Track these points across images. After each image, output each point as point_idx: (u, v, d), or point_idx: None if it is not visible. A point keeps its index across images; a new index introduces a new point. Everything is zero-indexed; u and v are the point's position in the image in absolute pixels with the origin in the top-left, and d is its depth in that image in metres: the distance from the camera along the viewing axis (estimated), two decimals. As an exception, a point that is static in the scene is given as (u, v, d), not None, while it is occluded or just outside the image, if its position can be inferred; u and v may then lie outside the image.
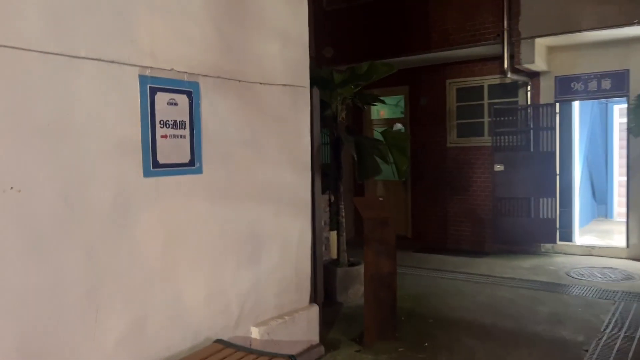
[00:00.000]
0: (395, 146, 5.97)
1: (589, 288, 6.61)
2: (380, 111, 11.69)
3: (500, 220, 8.74)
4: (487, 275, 7.48)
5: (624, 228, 10.62)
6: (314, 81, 5.31)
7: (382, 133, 6.26)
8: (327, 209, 6.62)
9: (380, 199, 5.34)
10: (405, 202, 10.28)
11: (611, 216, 12.10)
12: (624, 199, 12.39)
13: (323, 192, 6.72)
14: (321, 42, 10.09)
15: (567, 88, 8.48)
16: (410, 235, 10.20)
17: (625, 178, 12.50)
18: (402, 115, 10.41)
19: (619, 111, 11.99)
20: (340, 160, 6.13)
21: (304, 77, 4.45)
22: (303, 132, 4.46)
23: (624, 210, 12.27)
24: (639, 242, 8.01)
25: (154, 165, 3.20)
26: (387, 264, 4.83)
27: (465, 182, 9.46)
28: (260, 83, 4.00)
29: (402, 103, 10.49)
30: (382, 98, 9.80)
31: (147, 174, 3.17)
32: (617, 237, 9.41)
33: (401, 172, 5.99)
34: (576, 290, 6.53)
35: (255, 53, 3.95)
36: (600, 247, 8.40)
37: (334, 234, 6.51)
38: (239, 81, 3.81)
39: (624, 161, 12.38)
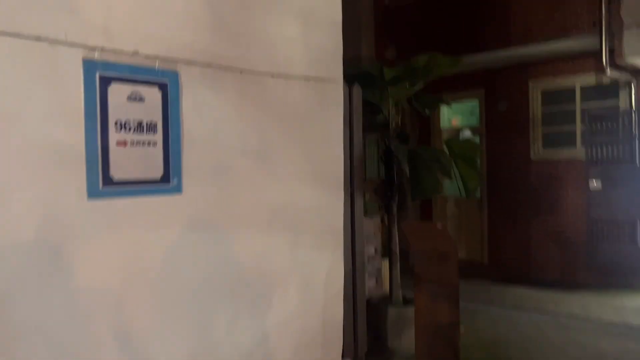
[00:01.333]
0: (462, 158, 4.82)
1: None
2: (452, 119, 10.45)
3: (597, 247, 7.22)
4: (580, 317, 6.04)
5: None
6: (359, 78, 4.33)
7: (446, 142, 5.13)
8: (379, 233, 5.55)
9: (439, 225, 4.21)
10: (481, 223, 8.93)
11: None
12: None
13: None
14: (382, 41, 9.09)
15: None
16: (486, 261, 8.83)
17: None
18: (478, 124, 9.11)
19: None
20: (393, 175, 5.06)
21: (334, 69, 3.46)
22: (333, 140, 3.47)
23: None
24: None
25: (105, 183, 2.34)
26: (447, 312, 3.70)
27: (552, 201, 7.99)
28: (272, 75, 3.06)
29: (477, 110, 9.19)
30: (454, 104, 8.63)
31: (93, 194, 2.31)
32: None
33: (469, 190, 4.82)
34: None
35: (264, 35, 3.02)
36: None
37: (386, 263, 5.42)
38: (241, 72, 2.89)
39: None
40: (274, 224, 3.09)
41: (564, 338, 5.37)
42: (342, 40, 3.51)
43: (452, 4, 8.24)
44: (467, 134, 7.94)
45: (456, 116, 10.52)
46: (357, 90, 4.08)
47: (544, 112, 8.15)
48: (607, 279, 7.29)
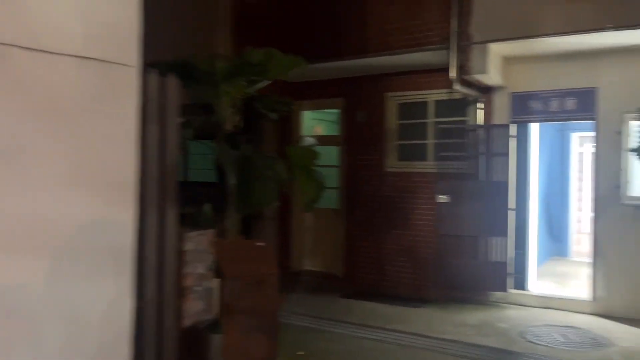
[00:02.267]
0: (302, 167, 4.37)
1: (550, 360, 5.14)
2: (315, 127, 10.18)
3: (444, 262, 7.25)
4: (423, 335, 5.89)
5: (581, 270, 9.40)
6: (184, 70, 3.70)
7: (287, 150, 4.66)
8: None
9: (260, 244, 3.69)
10: (338, 234, 8.68)
11: (568, 255, 10.90)
12: (582, 237, 11.30)
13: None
14: (239, 41, 8.51)
15: (524, 107, 7.15)
16: (341, 274, 8.59)
17: (580, 213, 11.45)
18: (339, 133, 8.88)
19: (578, 140, 10.90)
20: (226, 183, 4.46)
21: (127, 51, 2.78)
22: (122, 138, 2.78)
23: (581, 248, 11.17)
24: (607, 295, 6.64)
25: None
26: (264, 348, 3.17)
27: (405, 214, 7.96)
28: (24, 47, 2.30)
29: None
30: (318, 112, 8.36)
31: None
32: (575, 283, 8.10)
33: (307, 203, 4.38)
34: (534, 363, 5.05)
35: (11, -7, 2.26)
36: (559, 299, 7.00)
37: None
38: (-35, 37, 2.11)
39: (581, 195, 11.30)
40: (22, 246, 2.32)
41: (404, 357, 5.15)
42: (139, 17, 2.83)
43: (312, 6, 7.90)
44: (309, 141, 7.58)
45: (321, 125, 10.27)
46: (172, 82, 3.44)
47: (400, 125, 8.12)
48: (452, 294, 7.36)
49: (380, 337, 5.82)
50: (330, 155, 8.78)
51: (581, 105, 6.80)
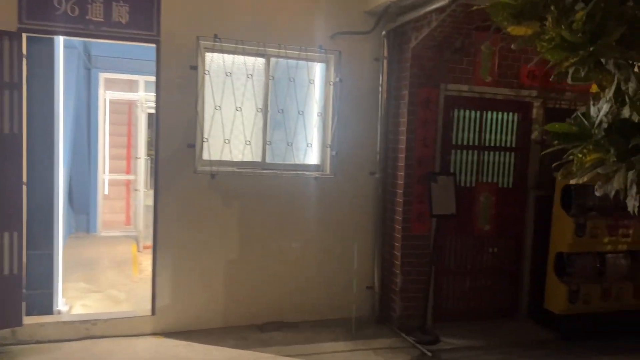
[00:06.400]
0: None
1: None
2: None
3: None
4: None
5: (114, 250, 7.28)
6: None
7: None
8: None
9: None
10: None
11: (94, 230, 8.47)
12: (108, 205, 9.03)
13: None
14: None
15: (45, 7, 4.10)
16: None
17: (106, 176, 9.02)
18: None
19: (104, 83, 8.37)
20: None
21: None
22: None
23: (110, 218, 8.92)
24: (173, 303, 4.57)
25: None
26: None
27: None
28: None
29: None
30: None
31: None
32: (112, 276, 5.95)
33: None
34: None
35: None
36: (106, 320, 4.46)
37: None
38: None
39: (105, 153, 8.85)
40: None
41: None
42: None
43: None
44: None
45: None
46: None
47: None
48: None
49: None
50: None
51: (138, 17, 4.32)
